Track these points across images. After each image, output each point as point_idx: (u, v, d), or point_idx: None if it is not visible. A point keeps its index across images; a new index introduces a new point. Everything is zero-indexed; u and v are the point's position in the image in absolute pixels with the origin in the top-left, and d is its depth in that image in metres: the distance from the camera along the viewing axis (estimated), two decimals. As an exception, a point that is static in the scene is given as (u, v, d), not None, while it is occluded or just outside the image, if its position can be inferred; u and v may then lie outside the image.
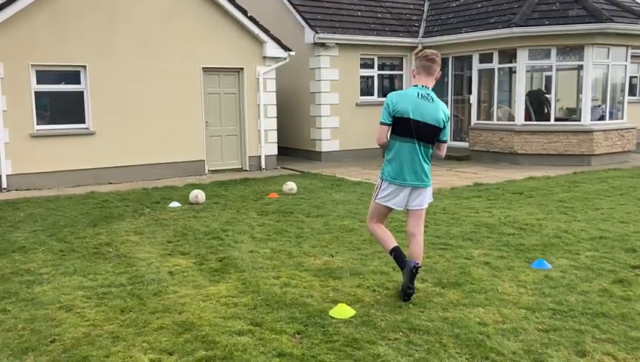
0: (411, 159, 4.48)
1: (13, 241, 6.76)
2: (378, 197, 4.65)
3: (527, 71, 13.93)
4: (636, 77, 19.04)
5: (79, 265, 5.78)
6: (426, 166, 4.55)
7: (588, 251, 6.03)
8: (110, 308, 4.58)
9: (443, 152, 4.68)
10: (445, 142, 4.63)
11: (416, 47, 15.36)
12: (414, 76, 4.54)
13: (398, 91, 4.56)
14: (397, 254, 4.60)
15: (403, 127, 4.43)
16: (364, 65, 15.30)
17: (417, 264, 4.48)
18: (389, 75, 16.24)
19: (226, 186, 10.88)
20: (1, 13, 10.23)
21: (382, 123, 4.51)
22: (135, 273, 5.47)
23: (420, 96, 4.39)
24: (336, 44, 14.56)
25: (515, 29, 13.12)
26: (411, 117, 4.37)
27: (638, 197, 9.10)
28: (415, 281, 4.62)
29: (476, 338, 3.90)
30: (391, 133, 4.52)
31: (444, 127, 4.52)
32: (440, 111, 4.46)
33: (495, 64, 14.24)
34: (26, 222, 7.86)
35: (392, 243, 4.65)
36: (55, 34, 10.86)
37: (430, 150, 4.57)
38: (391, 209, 4.72)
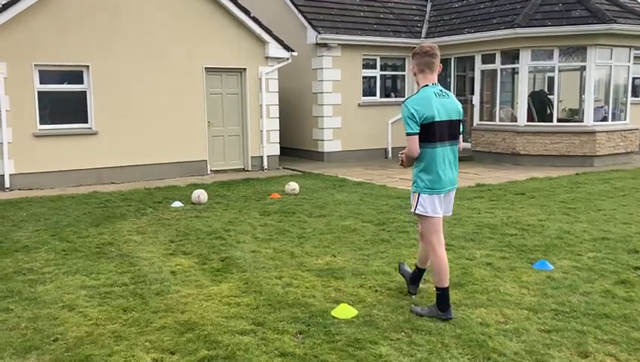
0: (444, 163, 4.25)
1: (16, 241, 6.78)
2: (429, 213, 4.27)
3: (529, 72, 13.93)
4: (639, 78, 19.00)
5: (82, 264, 5.79)
6: (456, 166, 4.37)
7: (590, 252, 6.02)
8: (113, 307, 4.58)
9: (461, 145, 4.48)
10: (462, 133, 4.47)
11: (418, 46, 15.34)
12: (415, 74, 4.34)
13: (414, 97, 4.21)
14: (445, 294, 4.29)
15: (432, 132, 4.15)
16: (366, 66, 15.30)
17: (452, 317, 4.27)
18: (392, 75, 16.24)
19: (228, 186, 10.89)
20: (5, 13, 10.26)
21: (411, 133, 4.15)
22: (137, 272, 5.48)
23: (437, 95, 4.20)
24: (338, 44, 14.57)
25: (518, 30, 13.11)
26: (439, 119, 4.15)
27: (641, 199, 9.09)
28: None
29: (478, 339, 3.90)
30: (419, 141, 4.18)
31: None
32: (457, 102, 4.35)
33: (497, 65, 14.23)
34: (29, 221, 7.88)
35: (447, 281, 4.33)
36: (58, 34, 10.89)
37: (457, 146, 4.38)
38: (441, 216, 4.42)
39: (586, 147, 13.26)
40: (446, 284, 4.31)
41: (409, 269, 4.94)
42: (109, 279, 5.30)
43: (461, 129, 4.43)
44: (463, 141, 4.68)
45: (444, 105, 4.22)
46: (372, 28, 15.23)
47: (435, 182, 4.24)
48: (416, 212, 4.34)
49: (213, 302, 4.66)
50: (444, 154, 4.25)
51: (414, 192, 4.35)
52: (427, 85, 4.26)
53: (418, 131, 4.16)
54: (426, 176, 4.25)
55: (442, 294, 4.30)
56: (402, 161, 4.36)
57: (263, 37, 13.01)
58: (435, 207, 4.29)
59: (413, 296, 4.73)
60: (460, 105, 4.37)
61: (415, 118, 4.13)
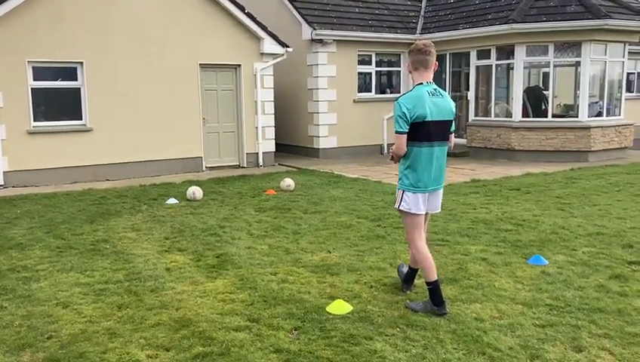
0: (431, 163, 4.24)
1: (10, 238, 6.75)
2: (412, 210, 4.30)
3: (524, 67, 13.93)
4: (633, 73, 19.07)
5: (76, 261, 5.77)
6: (444, 166, 4.37)
7: (585, 247, 6.04)
8: (107, 304, 4.57)
9: (452, 143, 4.49)
10: (453, 132, 4.46)
11: (414, 43, 15.32)
12: (411, 72, 4.34)
13: (407, 95, 4.20)
14: (436, 287, 4.28)
15: (422, 131, 4.15)
16: (361, 62, 15.28)
17: (447, 313, 4.26)
18: (387, 71, 16.23)
19: (224, 183, 10.87)
20: (-2, 9, 10.20)
21: (400, 132, 4.16)
22: (132, 269, 5.47)
23: (430, 94, 4.18)
24: (333, 40, 14.54)
25: (513, 26, 13.11)
26: (431, 119, 4.14)
27: (635, 194, 9.11)
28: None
29: (473, 334, 3.91)
30: (407, 139, 4.19)
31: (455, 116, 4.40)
32: (451, 102, 4.33)
33: (493, 60, 14.23)
34: (23, 218, 7.84)
35: (435, 275, 4.32)
36: (52, 30, 10.82)
37: (447, 146, 4.37)
38: (425, 214, 4.43)
39: (581, 142, 13.29)
40: (434, 278, 4.31)
41: (405, 271, 4.91)
42: (103, 276, 5.29)
43: (453, 127, 4.42)
44: (459, 137, 4.69)
45: (437, 105, 4.21)
46: (367, 24, 15.20)
47: (420, 180, 4.27)
48: (400, 208, 4.37)
49: (208, 299, 4.65)
50: (432, 154, 4.25)
51: (399, 189, 4.38)
52: (421, 83, 4.25)
53: (407, 130, 4.17)
54: (412, 174, 4.28)
55: (433, 288, 4.30)
56: (393, 156, 4.38)
57: (258, 33, 12.97)
58: (419, 205, 4.31)
59: (407, 293, 4.73)
60: (453, 105, 4.36)
61: (406, 116, 4.14)
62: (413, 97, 4.17)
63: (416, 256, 4.39)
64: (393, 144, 4.32)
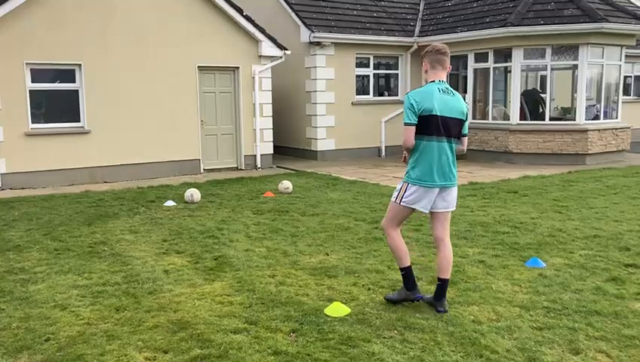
0: (439, 158, 4.31)
1: (7, 240, 6.74)
2: (404, 199, 4.37)
3: (522, 70, 13.97)
4: (630, 76, 19.12)
5: (74, 263, 5.77)
6: (453, 164, 4.41)
7: (582, 250, 6.05)
8: (105, 306, 4.57)
9: (465, 146, 4.54)
10: (466, 135, 4.51)
11: (412, 46, 15.40)
12: (426, 71, 4.44)
13: (418, 89, 4.34)
14: (408, 273, 4.46)
15: (430, 125, 4.24)
16: (359, 65, 15.30)
17: (420, 297, 4.46)
18: (385, 74, 16.25)
19: (222, 185, 10.87)
20: (-4, 11, 10.20)
21: (408, 124, 4.26)
22: (130, 272, 5.47)
23: (440, 91, 4.29)
24: (331, 43, 14.57)
25: (511, 29, 13.16)
26: (438, 113, 4.24)
27: (632, 197, 9.14)
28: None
29: (470, 336, 3.92)
30: (416, 133, 4.28)
31: (466, 118, 4.45)
32: (462, 102, 4.40)
33: (490, 63, 14.27)
34: (21, 220, 7.83)
35: (407, 261, 4.46)
36: (50, 32, 10.82)
37: (455, 145, 4.43)
38: (412, 211, 4.48)
39: (578, 145, 13.33)
40: (407, 264, 4.45)
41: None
42: (101, 278, 5.28)
43: (465, 130, 4.47)
44: None
45: (446, 102, 4.30)
46: (365, 26, 15.23)
47: (426, 174, 4.31)
48: (402, 203, 4.40)
49: (206, 301, 4.65)
50: (440, 149, 4.32)
51: (404, 182, 4.42)
52: (433, 81, 4.38)
53: (415, 122, 4.26)
54: (419, 167, 4.33)
55: (406, 274, 4.46)
56: (405, 157, 4.48)
57: (257, 35, 12.99)
58: (421, 202, 4.35)
59: (446, 311, 4.41)
60: (464, 106, 4.43)
61: (414, 108, 4.25)
62: (422, 92, 4.32)
63: (390, 243, 4.51)
64: (395, 147, 4.38)
